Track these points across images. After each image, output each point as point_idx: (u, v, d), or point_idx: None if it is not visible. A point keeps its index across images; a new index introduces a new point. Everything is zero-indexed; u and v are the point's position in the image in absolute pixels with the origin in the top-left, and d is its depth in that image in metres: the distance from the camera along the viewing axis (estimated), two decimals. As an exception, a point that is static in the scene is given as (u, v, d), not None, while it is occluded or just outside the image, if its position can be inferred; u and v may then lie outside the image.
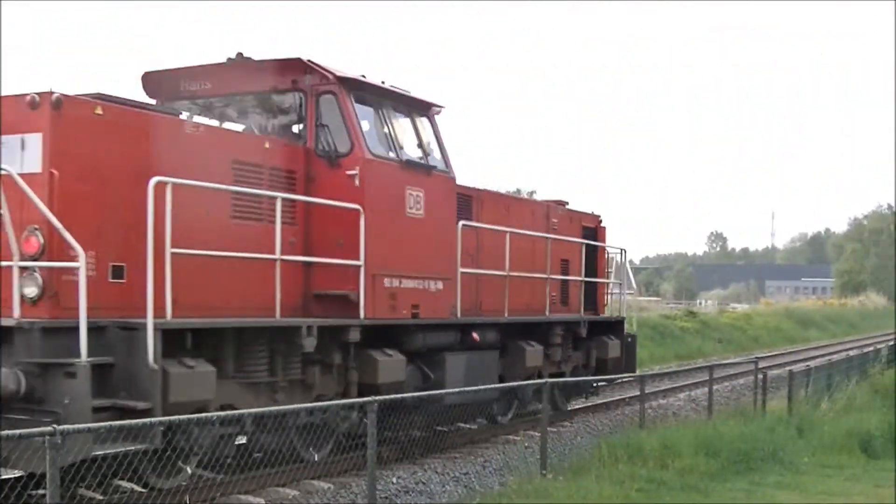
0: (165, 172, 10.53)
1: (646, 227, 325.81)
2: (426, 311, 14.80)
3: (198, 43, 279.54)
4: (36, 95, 9.96)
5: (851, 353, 36.24)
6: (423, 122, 15.34)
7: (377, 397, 11.16)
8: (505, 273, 16.78)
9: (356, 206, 13.06)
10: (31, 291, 9.86)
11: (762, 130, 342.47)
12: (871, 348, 38.95)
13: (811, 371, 24.40)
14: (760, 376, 22.27)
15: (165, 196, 10.24)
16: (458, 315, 15.64)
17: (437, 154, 15.40)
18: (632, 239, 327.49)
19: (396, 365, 14.02)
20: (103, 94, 11.09)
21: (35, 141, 10.02)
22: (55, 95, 9.96)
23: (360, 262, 13.04)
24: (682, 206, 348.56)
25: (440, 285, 15.14)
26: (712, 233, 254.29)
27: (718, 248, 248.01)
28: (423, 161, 14.96)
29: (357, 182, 13.35)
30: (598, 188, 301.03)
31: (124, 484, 11.64)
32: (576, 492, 12.19)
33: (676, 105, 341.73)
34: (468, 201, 16.64)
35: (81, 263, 9.51)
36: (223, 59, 13.96)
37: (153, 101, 13.65)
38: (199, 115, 14.21)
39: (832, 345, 55.07)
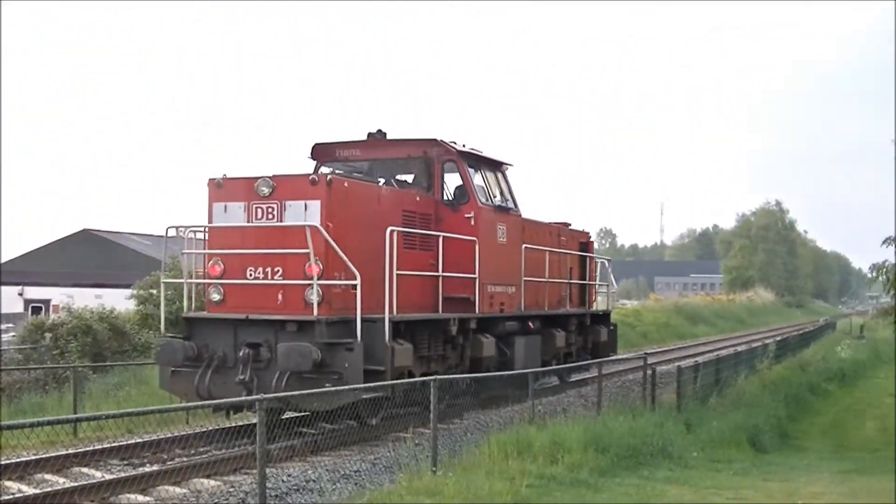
0: (380, 223, 17.11)
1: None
2: (507, 307, 21.88)
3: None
4: (315, 176, 16.48)
5: (740, 348, 37.17)
6: (501, 176, 22.19)
7: (270, 395, 13.19)
8: (545, 280, 24.03)
9: (473, 238, 19.95)
10: (315, 299, 15.91)
11: (651, 126, 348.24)
12: (759, 343, 40.01)
13: (699, 366, 24.88)
14: (649, 372, 22.61)
15: (393, 238, 16.84)
16: (522, 310, 22.68)
17: (509, 197, 22.20)
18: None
19: (491, 344, 20.68)
20: (343, 174, 18.27)
21: (315, 205, 16.16)
22: (329, 177, 16.54)
23: (476, 276, 19.88)
24: (572, 202, 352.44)
25: (513, 290, 22.25)
26: (602, 229, 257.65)
27: (608, 245, 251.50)
28: (504, 204, 21.81)
29: (472, 222, 20.10)
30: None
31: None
32: (466, 488, 12.19)
33: (569, 101, 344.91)
34: (522, 229, 22.88)
35: (357, 281, 15.71)
36: (365, 135, 20.46)
37: (317, 163, 20.60)
38: (351, 174, 19.63)
39: (721, 340, 56.34)
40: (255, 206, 16.58)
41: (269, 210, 16.49)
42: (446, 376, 17.10)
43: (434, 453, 13.92)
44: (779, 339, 45.97)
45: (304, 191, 16.27)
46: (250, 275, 16.72)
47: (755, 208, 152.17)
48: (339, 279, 16.21)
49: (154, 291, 29.33)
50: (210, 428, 17.94)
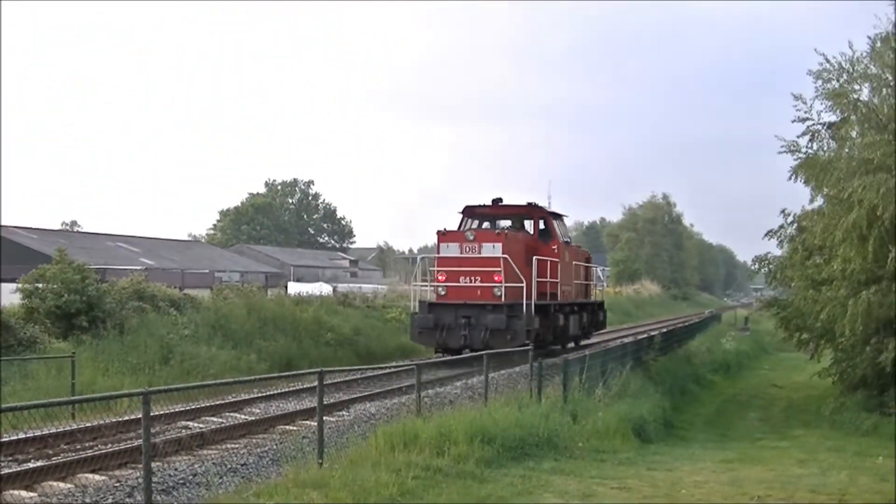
0: (522, 253, 31.58)
1: (422, 216, 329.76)
2: (568, 299, 35.15)
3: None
4: (500, 231, 31.28)
5: (626, 340, 37.88)
6: (562, 221, 36.74)
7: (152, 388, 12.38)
8: (579, 282, 37.82)
9: (556, 259, 33.50)
10: (500, 292, 29.95)
11: (537, 117, 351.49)
12: (645, 336, 40.85)
13: (586, 358, 25.38)
14: (536, 364, 22.99)
15: (533, 263, 31.13)
16: (573, 300, 36.25)
17: (567, 235, 37.24)
18: (405, 228, 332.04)
19: (562, 318, 34.43)
20: (508, 229, 32.76)
21: (499, 245, 30.33)
22: (507, 232, 31.35)
23: (558, 281, 33.58)
24: (457, 193, 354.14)
25: (571, 287, 35.83)
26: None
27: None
28: (566, 240, 36.06)
29: (558, 252, 33.77)
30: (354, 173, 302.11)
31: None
32: (352, 480, 12.37)
33: (441, 90, 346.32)
34: (563, 249, 35.02)
35: (524, 286, 29.97)
36: (490, 201, 34.89)
37: (463, 216, 34.04)
38: (481, 224, 34.02)
39: (607, 332, 57.05)
40: (465, 245, 31.10)
41: (473, 248, 30.98)
42: (332, 369, 17.36)
43: (320, 446, 14.06)
44: (664, 331, 47.02)
45: (493, 238, 31.12)
46: (461, 280, 31.05)
47: (642, 201, 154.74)
48: (517, 284, 30.50)
49: (40, 286, 29.43)
50: (96, 423, 17.81)
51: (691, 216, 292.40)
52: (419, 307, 31.67)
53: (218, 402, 21.74)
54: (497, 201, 34.64)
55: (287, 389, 24.66)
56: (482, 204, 34.51)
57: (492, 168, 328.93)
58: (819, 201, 29.74)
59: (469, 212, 34.08)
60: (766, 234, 32.90)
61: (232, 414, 20.90)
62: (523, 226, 34.48)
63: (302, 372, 20.02)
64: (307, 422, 18.67)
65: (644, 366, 32.54)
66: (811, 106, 28.92)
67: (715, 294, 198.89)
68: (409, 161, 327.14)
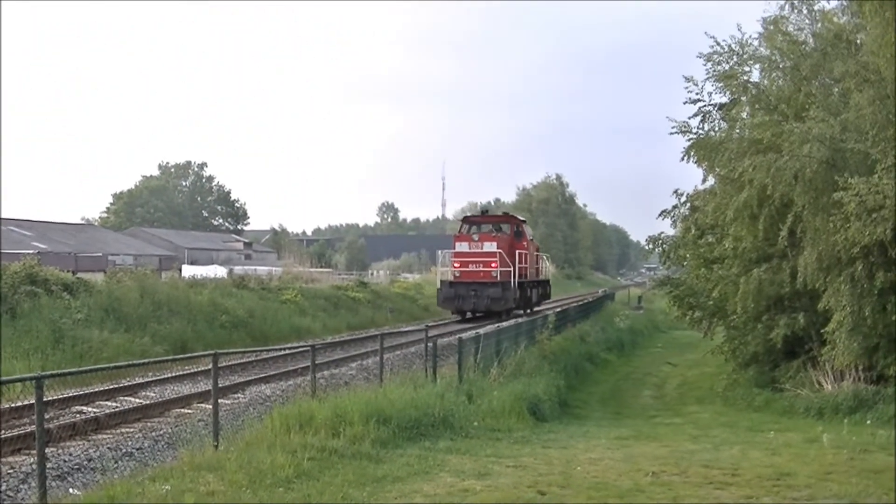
0: (511, 248, 45.95)
1: (316, 198, 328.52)
2: (533, 276, 50.68)
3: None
4: (496, 234, 46.77)
5: (520, 320, 38.18)
6: (527, 225, 53.43)
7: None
8: (537, 267, 52.38)
9: (527, 251, 48.21)
10: (496, 274, 44.23)
11: (425, 105, 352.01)
12: (539, 315, 41.24)
13: (480, 338, 25.51)
14: (430, 344, 23.09)
15: (515, 255, 45.63)
16: (536, 278, 51.96)
17: (531, 233, 53.66)
18: (299, 210, 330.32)
19: (530, 290, 49.86)
20: (510, 215, 51.96)
21: (494, 244, 44.95)
22: (499, 235, 46.52)
23: (527, 265, 48.25)
24: (353, 175, 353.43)
25: (533, 271, 50.39)
26: (383, 203, 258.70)
27: (390, 219, 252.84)
28: (531, 238, 51.61)
29: (526, 246, 48.08)
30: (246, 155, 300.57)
31: None
32: (248, 462, 12.29)
33: (323, 77, 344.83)
34: (529, 244, 49.40)
35: (511, 269, 44.52)
36: (481, 211, 60.04)
37: (462, 223, 50.04)
38: (471, 230, 47.55)
39: (474, 320, 57.43)
40: (472, 244, 44.96)
41: (477, 245, 44.83)
42: (226, 351, 17.24)
43: (216, 428, 13.95)
44: (558, 310, 47.54)
45: (491, 239, 45.16)
46: (471, 266, 44.65)
47: (536, 182, 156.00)
48: (507, 268, 44.07)
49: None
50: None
51: (585, 197, 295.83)
52: (442, 285, 45.96)
53: (112, 387, 21.50)
54: (484, 212, 56.61)
55: (182, 372, 24.48)
56: (475, 215, 52.90)
57: (386, 151, 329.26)
58: (711, 181, 30.26)
59: (467, 220, 50.32)
60: (659, 214, 33.43)
61: (127, 398, 20.63)
62: (501, 228, 48.35)
63: (196, 354, 19.92)
64: (203, 405, 18.55)
65: (538, 345, 32.79)
66: (702, 87, 29.36)
67: (609, 274, 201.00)
68: (303, 144, 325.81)
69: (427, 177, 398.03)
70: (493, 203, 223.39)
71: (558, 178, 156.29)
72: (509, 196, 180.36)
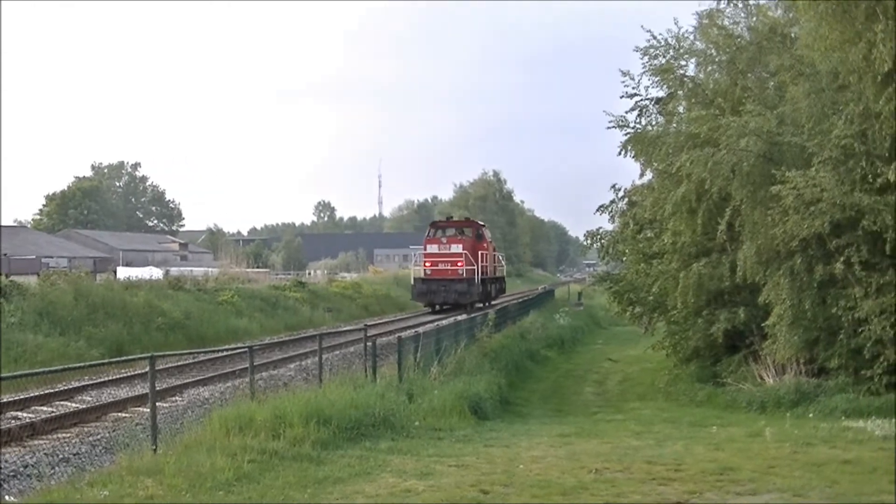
0: (475, 250, 52.42)
1: (252, 198, 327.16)
2: (492, 273, 57.91)
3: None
4: (462, 238, 52.91)
5: (460, 318, 38.20)
6: (488, 228, 61.33)
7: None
8: (495, 265, 59.47)
9: (487, 252, 54.99)
10: (462, 272, 50.78)
11: (368, 102, 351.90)
12: (479, 313, 41.31)
13: (420, 337, 25.51)
14: (370, 343, 23.05)
15: (478, 255, 52.20)
16: (494, 275, 59.12)
17: (490, 235, 60.70)
18: (235, 210, 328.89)
19: (490, 285, 57.30)
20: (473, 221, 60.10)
21: (460, 245, 51.53)
22: (464, 238, 52.97)
23: (487, 264, 54.42)
24: (289, 175, 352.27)
25: (492, 268, 56.97)
26: (320, 202, 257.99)
27: (327, 218, 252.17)
28: (490, 240, 59.25)
29: (486, 247, 55.38)
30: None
31: None
32: (187, 466, 12.15)
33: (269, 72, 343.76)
34: (489, 245, 56.97)
35: (475, 268, 51.35)
36: (446, 217, 68.11)
37: (430, 227, 56.80)
38: (437, 233, 54.67)
39: (439, 311, 57.52)
40: (441, 246, 51.56)
41: (446, 247, 51.39)
42: (163, 353, 17.13)
43: (154, 432, 13.80)
44: (498, 308, 47.61)
45: (457, 241, 51.80)
46: (440, 265, 50.97)
47: (473, 179, 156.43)
48: (471, 267, 50.60)
49: None
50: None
51: (523, 194, 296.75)
52: (416, 282, 51.95)
53: (48, 391, 21.25)
54: (449, 218, 63.83)
55: (119, 376, 24.28)
56: (442, 220, 61.45)
57: (323, 150, 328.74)
58: (649, 176, 30.48)
59: (434, 225, 57.27)
60: (597, 209, 33.53)
61: (63, 403, 20.41)
62: (464, 232, 54.37)
63: (133, 357, 19.75)
64: (140, 408, 18.35)
65: (479, 343, 32.83)
66: (639, 81, 29.60)
67: (549, 270, 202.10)
68: (239, 143, 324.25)
69: (364, 176, 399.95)
70: (430, 201, 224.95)
71: (496, 174, 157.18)
72: (446, 193, 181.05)
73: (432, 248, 52.31)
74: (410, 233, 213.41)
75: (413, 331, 29.02)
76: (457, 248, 51.44)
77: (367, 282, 72.30)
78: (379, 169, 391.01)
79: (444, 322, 34.47)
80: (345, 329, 35.53)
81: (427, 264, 51.92)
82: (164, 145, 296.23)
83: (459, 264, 50.73)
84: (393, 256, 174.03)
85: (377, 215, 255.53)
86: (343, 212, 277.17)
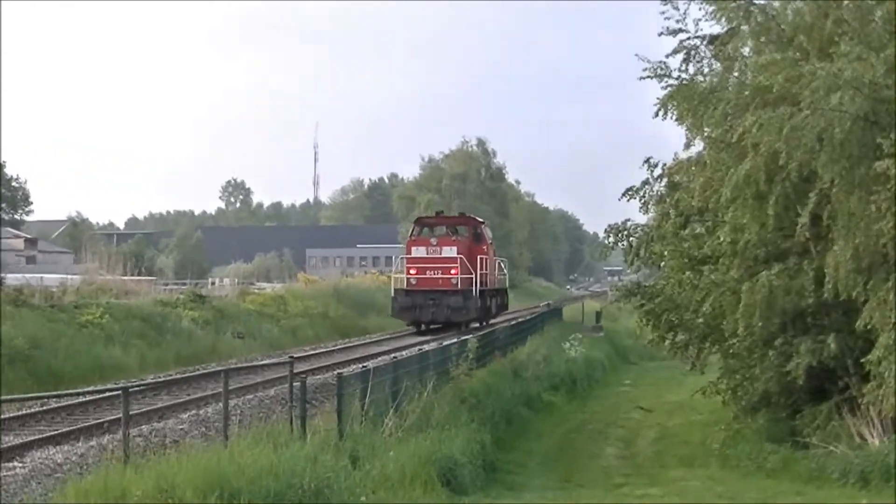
0: (471, 253, 59.49)
1: (131, 178, 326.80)
2: (493, 284, 64.58)
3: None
4: (456, 238, 60.14)
5: (426, 347, 38.03)
6: (487, 225, 70.70)
7: None
8: (496, 273, 66.27)
9: (487, 256, 62.00)
10: (457, 281, 56.37)
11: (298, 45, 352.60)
12: (455, 340, 41.12)
13: (370, 374, 25.31)
14: (297, 384, 22.86)
15: (477, 260, 59.17)
16: (495, 286, 66.45)
17: (490, 234, 68.71)
18: (107, 194, 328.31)
19: (490, 299, 64.97)
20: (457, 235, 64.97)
21: (454, 248, 57.91)
22: (459, 238, 60.43)
23: (487, 272, 61.21)
24: (183, 145, 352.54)
25: (492, 277, 63.62)
26: (230, 182, 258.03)
27: (239, 204, 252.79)
28: (490, 241, 66.54)
29: (486, 250, 62.25)
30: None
31: None
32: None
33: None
34: (489, 248, 64.89)
35: (473, 276, 57.79)
36: (435, 212, 78.50)
37: (415, 225, 66.48)
38: (423, 232, 64.31)
39: (401, 336, 57.52)
40: (429, 248, 57.32)
41: (435, 250, 57.04)
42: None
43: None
44: (482, 333, 47.46)
45: (451, 243, 57.96)
46: (429, 273, 56.56)
47: (449, 150, 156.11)
48: (468, 275, 56.84)
49: None
50: None
51: (518, 174, 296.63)
52: (397, 294, 56.62)
53: None
54: (440, 213, 71.02)
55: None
56: (429, 216, 68.52)
57: (232, 112, 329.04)
58: (698, 147, 30.33)
59: (420, 221, 63.47)
60: (624, 194, 33.27)
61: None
62: (458, 231, 60.68)
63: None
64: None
65: (454, 382, 32.68)
66: (686, 13, 29.45)
67: (555, 280, 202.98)
68: (113, 105, 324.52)
69: (293, 147, 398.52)
70: (386, 181, 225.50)
71: (480, 143, 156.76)
72: (410, 170, 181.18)
73: (418, 252, 57.41)
74: (360, 226, 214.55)
75: (360, 366, 28.85)
76: (450, 251, 56.67)
77: (296, 295, 71.98)
78: (315, 137, 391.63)
79: (406, 354, 34.28)
80: (263, 363, 35.26)
81: (412, 271, 56.92)
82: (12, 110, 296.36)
83: (454, 272, 55.80)
84: (333, 259, 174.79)
85: (311, 201, 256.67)
86: (262, 196, 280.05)
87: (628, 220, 35.24)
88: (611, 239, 36.05)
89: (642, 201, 33.07)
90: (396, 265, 61.55)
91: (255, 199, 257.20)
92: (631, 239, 34.69)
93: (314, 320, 64.83)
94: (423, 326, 57.23)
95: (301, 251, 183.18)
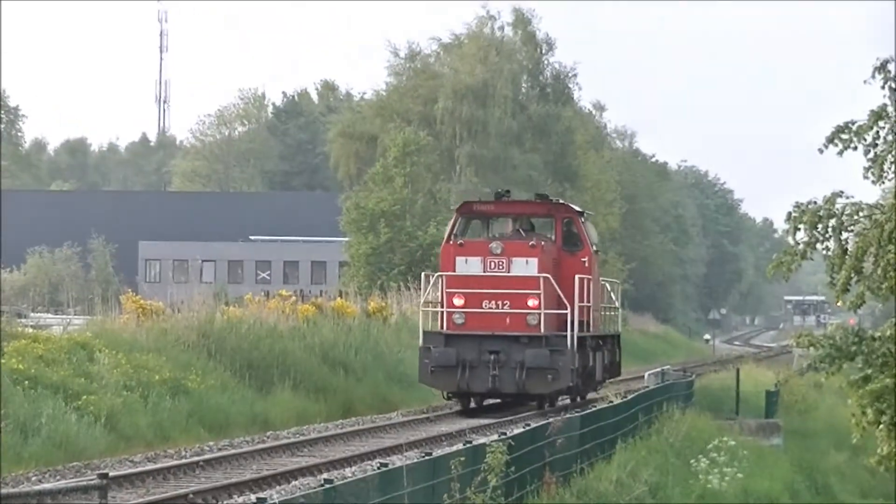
0: (557, 270, 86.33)
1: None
2: (599, 326, 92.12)
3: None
4: (534, 243, 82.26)
5: (410, 461, 38.26)
6: (587, 223, 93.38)
7: None
8: (603, 304, 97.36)
9: (589, 276, 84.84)
10: (536, 321, 77.52)
11: None
12: (450, 450, 41.26)
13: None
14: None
15: (576, 282, 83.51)
16: (597, 328, 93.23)
17: (594, 239, 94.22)
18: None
19: (598, 357, 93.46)
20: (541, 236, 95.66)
21: (534, 261, 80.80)
22: (543, 244, 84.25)
23: (590, 304, 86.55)
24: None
25: (600, 314, 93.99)
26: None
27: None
28: (596, 246, 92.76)
29: (586, 264, 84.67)
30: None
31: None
32: None
33: None
34: (592, 259, 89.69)
35: (568, 311, 78.88)
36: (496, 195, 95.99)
37: (457, 214, 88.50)
38: (475, 228, 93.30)
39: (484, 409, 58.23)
40: (489, 260, 74.04)
41: (500, 263, 74.18)
42: None
43: None
44: (522, 429, 47.55)
45: (527, 251, 75.86)
46: (486, 304, 74.22)
47: (453, 34, 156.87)
48: (560, 311, 76.97)
49: None
50: None
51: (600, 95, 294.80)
52: (429, 340, 63.59)
53: None
54: (503, 195, 75.35)
55: None
56: (485, 201, 76.40)
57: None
58: None
59: (467, 210, 70.01)
60: (831, 139, 32.87)
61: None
62: (534, 227, 69.73)
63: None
64: None
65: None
66: None
67: (676, 317, 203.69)
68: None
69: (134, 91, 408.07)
70: (314, 98, 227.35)
71: (520, 19, 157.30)
72: (368, 76, 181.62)
73: (471, 265, 67.64)
74: (254, 194, 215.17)
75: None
76: (525, 266, 67.67)
77: (117, 343, 71.57)
78: (161, 24, 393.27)
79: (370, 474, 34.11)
80: (38, 488, 35.41)
81: (456, 302, 66.66)
82: None
83: (532, 303, 66.07)
84: (196, 264, 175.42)
85: (152, 138, 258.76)
86: (44, 130, 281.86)
87: (840, 192, 34.49)
88: (801, 233, 34.78)
89: (872, 153, 32.72)
90: (427, 289, 66.87)
91: (29, 132, 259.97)
92: (846, 235, 33.96)
93: (156, 397, 63.93)
94: (472, 402, 60.98)
95: (130, 244, 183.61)
